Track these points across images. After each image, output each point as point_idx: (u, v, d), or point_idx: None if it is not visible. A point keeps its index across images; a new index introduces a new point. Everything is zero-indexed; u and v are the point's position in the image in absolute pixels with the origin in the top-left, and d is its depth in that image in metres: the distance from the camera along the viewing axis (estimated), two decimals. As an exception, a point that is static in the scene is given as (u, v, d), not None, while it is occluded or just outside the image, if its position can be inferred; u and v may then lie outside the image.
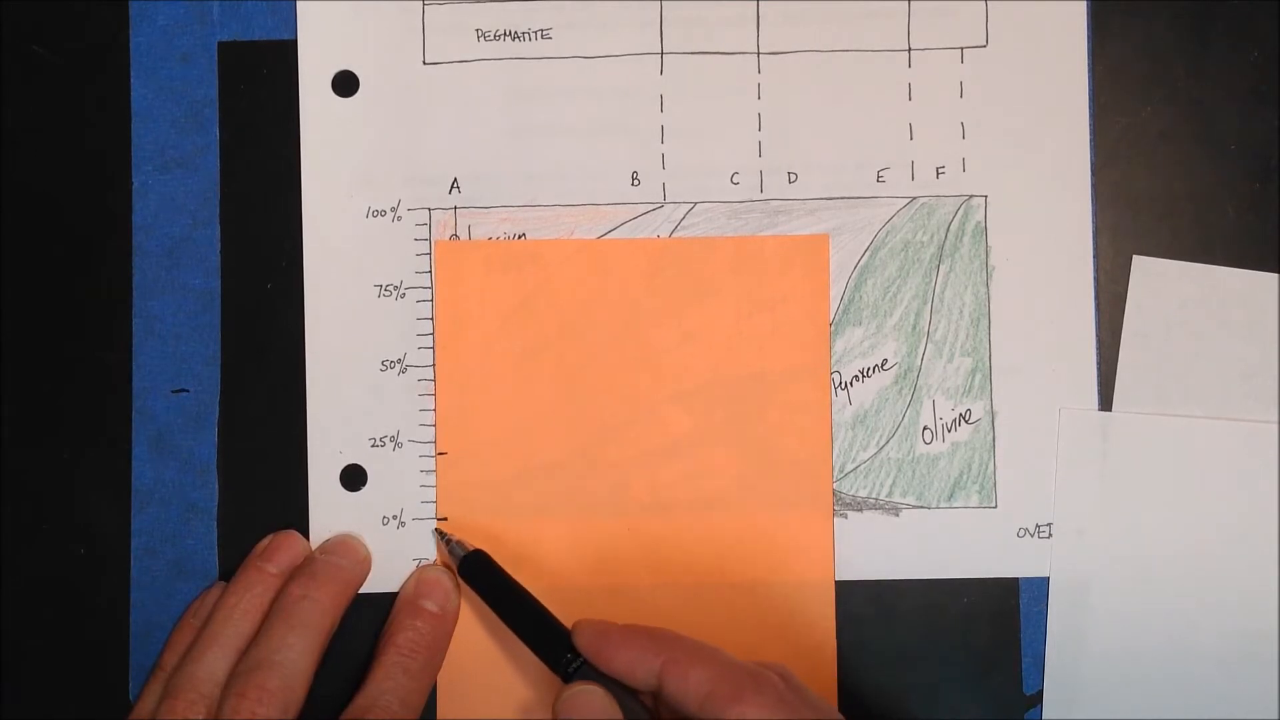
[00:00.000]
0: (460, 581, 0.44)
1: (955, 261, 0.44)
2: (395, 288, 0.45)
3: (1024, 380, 0.44)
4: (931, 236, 0.45)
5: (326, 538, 0.44)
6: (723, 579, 0.44)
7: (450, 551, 0.43)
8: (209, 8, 0.45)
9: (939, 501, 0.44)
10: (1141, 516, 0.44)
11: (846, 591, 0.44)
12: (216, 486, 0.45)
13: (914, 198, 0.45)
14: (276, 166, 0.45)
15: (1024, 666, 0.44)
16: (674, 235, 0.45)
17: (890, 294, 0.44)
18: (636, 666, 0.38)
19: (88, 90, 0.45)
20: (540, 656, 0.41)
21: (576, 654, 0.40)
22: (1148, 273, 0.44)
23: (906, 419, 0.44)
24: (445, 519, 0.44)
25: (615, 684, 0.39)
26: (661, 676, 0.38)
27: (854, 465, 0.44)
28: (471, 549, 0.43)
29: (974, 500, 0.44)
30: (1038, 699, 0.44)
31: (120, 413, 0.45)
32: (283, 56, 0.45)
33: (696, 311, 0.44)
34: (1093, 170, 0.44)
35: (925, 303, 0.44)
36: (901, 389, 0.44)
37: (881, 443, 0.44)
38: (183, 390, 0.45)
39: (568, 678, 0.40)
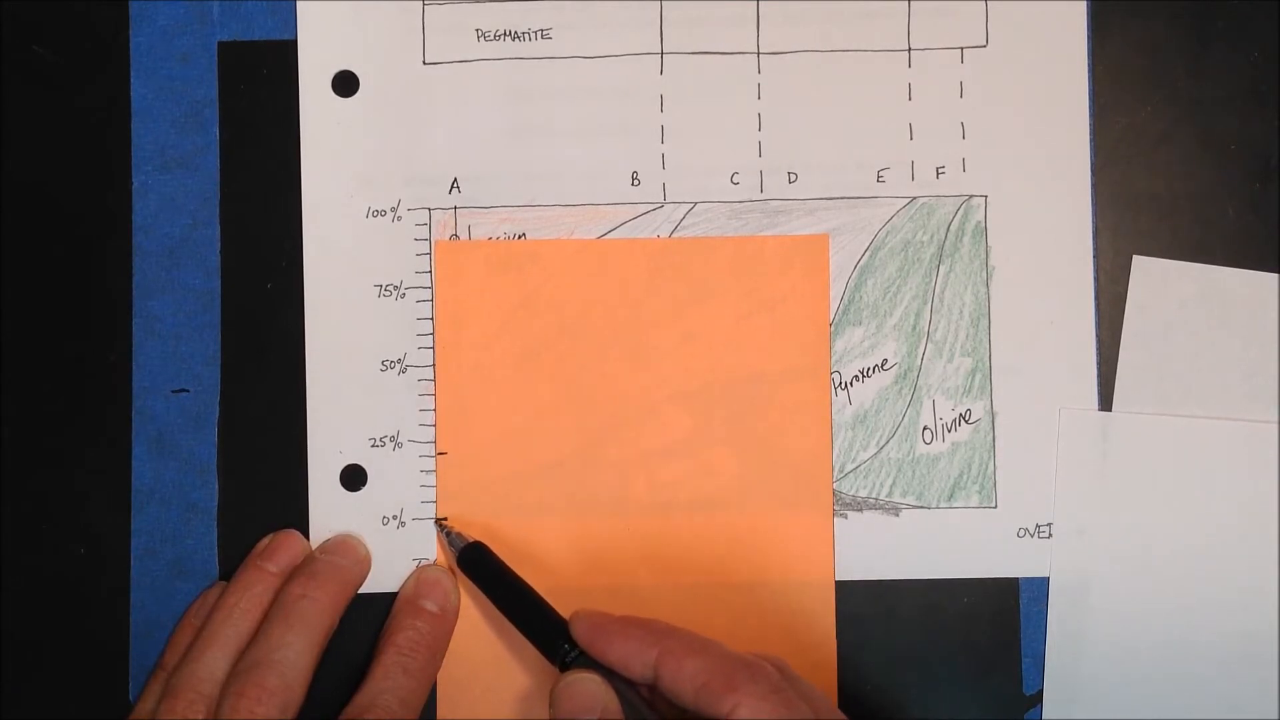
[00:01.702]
0: (460, 582, 0.44)
1: (955, 261, 0.45)
2: (395, 288, 0.45)
3: (1024, 380, 0.44)
4: (931, 236, 0.45)
5: (326, 538, 0.44)
6: (723, 579, 0.44)
7: (449, 543, 0.43)
8: (209, 8, 0.45)
9: (939, 501, 0.44)
10: (1141, 516, 0.44)
11: (846, 591, 0.44)
12: (216, 486, 0.45)
13: (914, 198, 0.45)
14: (276, 166, 0.45)
15: (1024, 666, 0.44)
16: (674, 235, 0.45)
17: (890, 294, 0.44)
18: (632, 658, 0.38)
19: (88, 90, 0.45)
20: (538, 647, 0.41)
21: (574, 645, 0.40)
22: (1148, 273, 0.44)
23: (906, 419, 0.44)
24: (445, 519, 0.44)
25: (612, 674, 0.39)
26: (657, 668, 0.38)
27: (854, 465, 0.44)
28: (471, 540, 0.43)
29: (974, 500, 0.44)
30: (1038, 699, 0.44)
31: (120, 413, 0.45)
32: (283, 56, 0.45)
33: (696, 311, 0.44)
34: (1093, 170, 0.44)
35: (925, 303, 0.44)
36: (901, 389, 0.44)
37: (881, 443, 0.44)
38: (183, 390, 0.45)
39: (564, 668, 0.40)
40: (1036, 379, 0.44)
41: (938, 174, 0.45)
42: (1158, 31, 0.44)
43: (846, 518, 0.44)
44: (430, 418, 0.45)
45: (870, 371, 0.44)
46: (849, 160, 0.45)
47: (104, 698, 0.45)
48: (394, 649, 0.42)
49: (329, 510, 0.45)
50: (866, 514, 0.44)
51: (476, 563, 0.43)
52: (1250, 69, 0.44)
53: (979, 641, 0.44)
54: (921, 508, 0.44)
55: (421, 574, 0.44)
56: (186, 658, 0.41)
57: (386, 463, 0.45)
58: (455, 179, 0.45)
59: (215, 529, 0.45)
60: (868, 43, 0.45)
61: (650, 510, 0.44)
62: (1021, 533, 0.44)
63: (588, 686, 0.38)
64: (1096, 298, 0.44)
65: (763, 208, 0.45)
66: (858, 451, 0.44)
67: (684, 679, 0.37)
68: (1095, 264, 0.44)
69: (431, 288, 0.45)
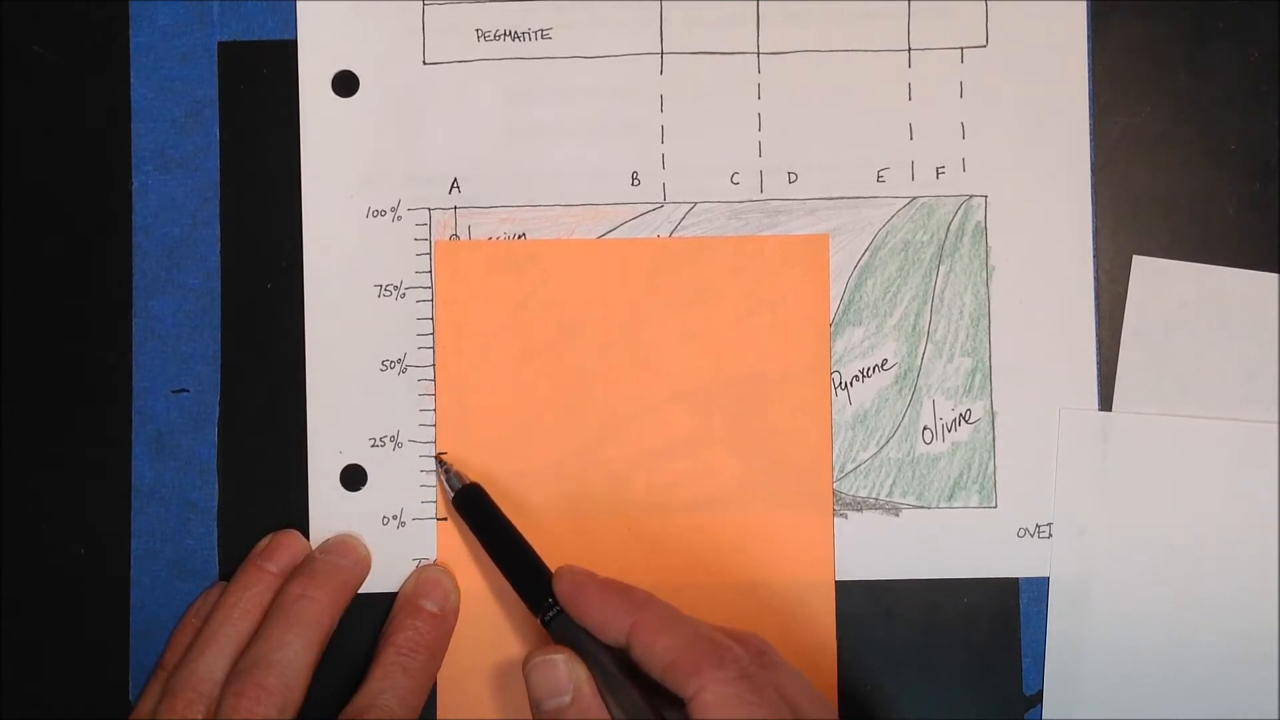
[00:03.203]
0: (458, 578, 0.44)
1: (955, 261, 0.45)
2: (395, 288, 0.45)
3: (1024, 380, 0.44)
4: (931, 236, 0.45)
5: (326, 538, 0.44)
6: (723, 579, 0.44)
7: (447, 482, 0.43)
8: (209, 8, 0.45)
9: (939, 501, 0.44)
10: (1141, 516, 0.44)
11: (846, 591, 0.44)
12: (216, 486, 0.45)
13: (914, 198, 0.45)
14: (276, 166, 0.45)
15: (1024, 666, 0.44)
16: (674, 235, 0.45)
17: (890, 294, 0.44)
18: (608, 624, 0.38)
19: (88, 90, 0.45)
20: (522, 596, 0.41)
21: (557, 600, 0.40)
22: (1148, 273, 0.44)
23: (906, 419, 0.44)
24: (445, 453, 0.44)
25: (591, 639, 0.39)
26: (629, 640, 0.38)
27: (854, 465, 0.44)
28: (468, 482, 0.43)
29: (974, 500, 0.44)
30: (1038, 699, 0.44)
31: (120, 413, 0.45)
32: (283, 56, 0.45)
33: (696, 311, 0.44)
34: (1093, 170, 0.44)
35: (925, 303, 0.44)
36: (901, 389, 0.44)
37: (881, 443, 0.44)
38: (183, 390, 0.45)
39: (545, 624, 0.40)
40: (1036, 379, 0.44)
41: (938, 174, 0.45)
42: (1158, 31, 0.44)
43: (846, 518, 0.44)
44: (430, 418, 0.45)
45: (870, 371, 0.44)
46: (849, 160, 0.45)
47: (104, 698, 0.45)
48: (394, 649, 0.42)
49: (329, 510, 0.45)
50: (866, 514, 0.44)
51: (471, 505, 0.43)
52: (1250, 69, 0.44)
53: (979, 641, 0.44)
54: (921, 508, 0.44)
55: (421, 574, 0.44)
56: (186, 658, 0.41)
57: (386, 463, 0.45)
58: (455, 179, 0.45)
59: (215, 529, 0.45)
60: (868, 43, 0.45)
61: (650, 510, 0.44)
62: (1021, 533, 0.44)
63: (557, 668, 0.38)
64: (1096, 298, 0.44)
65: (763, 208, 0.45)
66: (858, 451, 0.44)
67: (654, 655, 0.37)
68: (1095, 264, 0.44)
69: (431, 288, 0.45)
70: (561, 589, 0.40)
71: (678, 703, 0.37)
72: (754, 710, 0.36)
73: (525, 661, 0.39)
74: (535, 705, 0.39)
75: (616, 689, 0.38)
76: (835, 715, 0.38)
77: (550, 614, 0.40)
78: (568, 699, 0.38)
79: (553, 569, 0.41)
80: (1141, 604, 0.44)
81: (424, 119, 0.45)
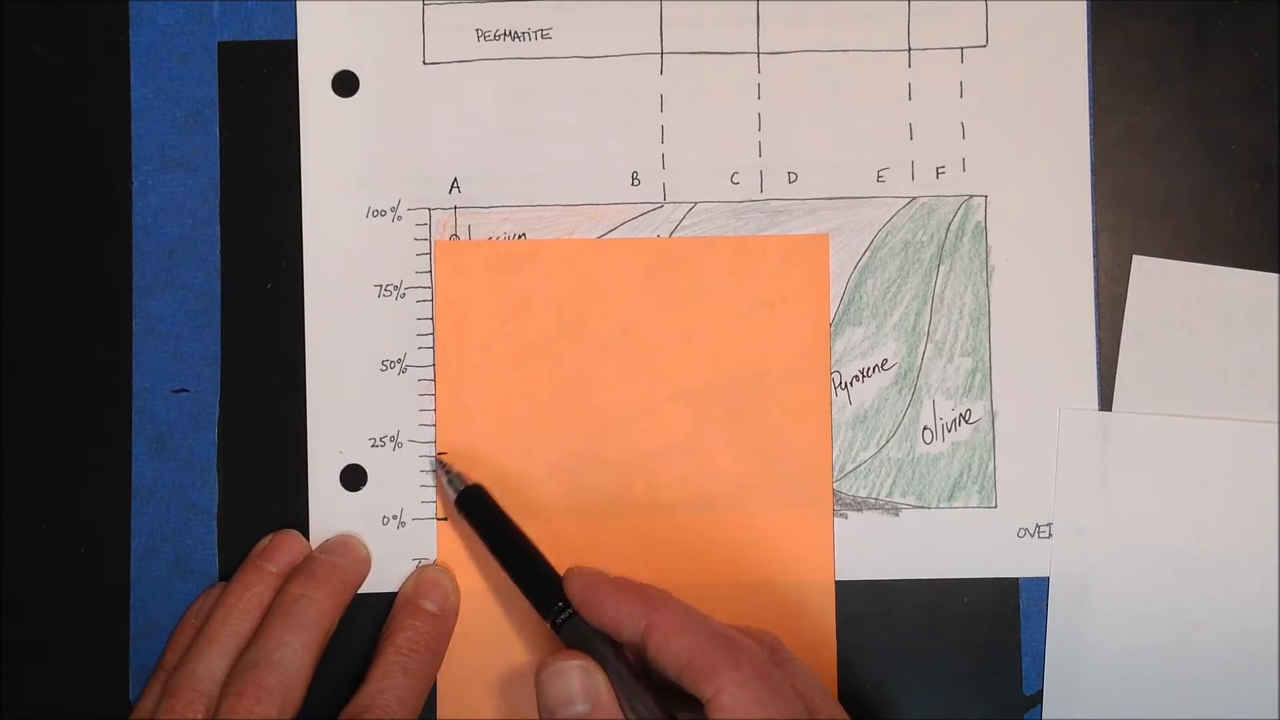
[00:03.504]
0: (459, 578, 0.44)
1: (955, 261, 0.45)
2: (395, 288, 0.45)
3: (1024, 380, 0.44)
4: (931, 236, 0.45)
5: (326, 538, 0.44)
6: (723, 579, 0.44)
7: (449, 483, 0.43)
8: (209, 8, 0.45)
9: (939, 501, 0.44)
10: (1141, 516, 0.44)
11: (846, 591, 0.44)
12: (216, 486, 0.45)
13: (914, 198, 0.45)
14: (276, 166, 0.45)
15: (1024, 666, 0.44)
16: (674, 235, 0.45)
17: (890, 294, 0.44)
18: (623, 623, 0.38)
19: (88, 90, 0.45)
20: (530, 600, 0.41)
21: (567, 602, 0.40)
22: (1148, 273, 0.44)
23: (906, 419, 0.44)
24: (445, 453, 0.44)
25: (601, 636, 0.39)
26: (644, 640, 0.38)
27: (854, 465, 0.44)
28: (471, 482, 0.43)
29: (974, 500, 0.44)
30: (1038, 699, 0.44)
31: (120, 413, 0.45)
32: (283, 56, 0.45)
33: (696, 311, 0.44)
34: (1093, 170, 0.44)
35: (925, 303, 0.44)
36: (901, 389, 0.44)
37: (881, 443, 0.44)
38: (183, 390, 0.45)
39: (556, 627, 0.40)
40: (1036, 379, 0.44)
41: (938, 174, 0.45)
42: (1158, 31, 0.44)
43: (846, 518, 0.44)
44: (430, 418, 0.45)
45: (870, 371, 0.44)
46: (849, 160, 0.45)
47: (104, 698, 0.45)
48: (393, 649, 0.42)
49: (329, 510, 0.45)
50: (866, 514, 0.44)
51: (475, 506, 0.42)
52: (1250, 69, 0.44)
53: (979, 641, 0.44)
54: (921, 508, 0.44)
55: (421, 574, 0.44)
56: (186, 658, 0.41)
57: (386, 463, 0.45)
58: (455, 179, 0.45)
59: (215, 529, 0.45)
60: (868, 43, 0.45)
61: (650, 510, 0.44)
62: (1021, 533, 0.44)
63: (574, 675, 0.38)
64: (1096, 298, 0.44)
65: (763, 208, 0.45)
66: (858, 451, 0.44)
67: (669, 655, 0.37)
68: (1095, 264, 0.44)
69: (431, 288, 0.45)
70: (574, 590, 0.40)
71: (694, 701, 0.37)
72: (771, 712, 0.35)
73: (540, 669, 0.38)
74: (550, 711, 0.38)
75: (632, 694, 0.38)
76: (844, 713, 0.38)
77: (561, 617, 0.40)
78: (586, 707, 0.38)
79: (556, 570, 0.41)
80: (1141, 604, 0.44)
81: (424, 119, 0.45)
